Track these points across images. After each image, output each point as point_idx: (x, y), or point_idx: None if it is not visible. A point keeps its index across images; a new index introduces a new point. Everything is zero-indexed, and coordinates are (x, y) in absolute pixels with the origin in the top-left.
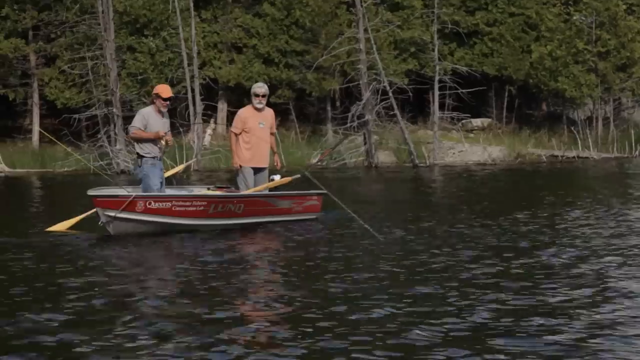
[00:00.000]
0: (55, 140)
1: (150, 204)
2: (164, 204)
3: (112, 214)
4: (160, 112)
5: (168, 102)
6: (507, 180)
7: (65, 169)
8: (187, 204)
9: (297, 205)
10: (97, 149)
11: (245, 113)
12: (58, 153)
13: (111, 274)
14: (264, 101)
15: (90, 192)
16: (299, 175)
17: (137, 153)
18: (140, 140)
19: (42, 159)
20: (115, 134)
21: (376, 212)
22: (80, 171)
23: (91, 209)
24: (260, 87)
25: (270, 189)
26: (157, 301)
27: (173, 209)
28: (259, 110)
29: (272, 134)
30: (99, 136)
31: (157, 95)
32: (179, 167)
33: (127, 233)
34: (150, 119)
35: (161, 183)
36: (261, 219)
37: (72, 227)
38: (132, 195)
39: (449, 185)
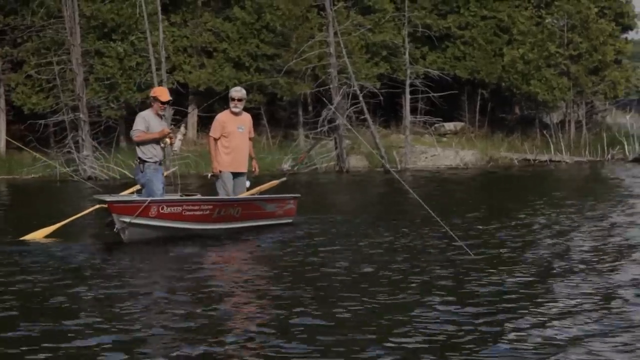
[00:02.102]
0: (23, 147)
1: (163, 208)
2: (176, 208)
3: (127, 219)
4: (158, 114)
5: (166, 105)
6: (471, 184)
7: (32, 176)
8: (196, 208)
9: (280, 209)
10: (63, 155)
11: (223, 117)
12: (25, 159)
13: (99, 280)
14: (241, 105)
15: (107, 198)
16: (285, 179)
17: (139, 158)
18: (143, 144)
19: (8, 166)
20: (82, 139)
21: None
22: (47, 178)
23: (67, 218)
24: (238, 91)
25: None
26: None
27: (183, 213)
28: (236, 114)
29: (250, 138)
30: (66, 142)
31: (155, 99)
32: None
33: (138, 240)
34: (151, 122)
35: (162, 188)
36: (253, 223)
37: (48, 236)
38: (147, 200)
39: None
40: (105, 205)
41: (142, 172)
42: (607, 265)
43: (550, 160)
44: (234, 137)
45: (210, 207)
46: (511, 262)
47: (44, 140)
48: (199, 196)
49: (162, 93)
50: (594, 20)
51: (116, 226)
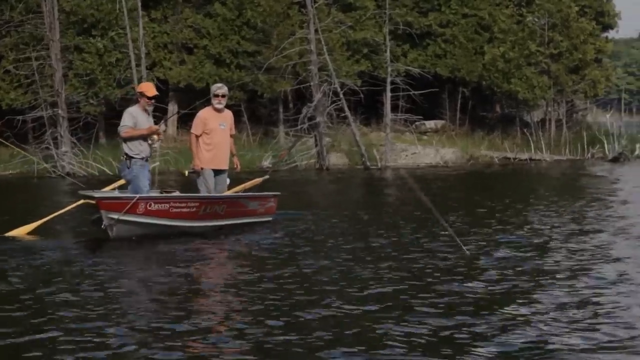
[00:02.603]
0: (5, 142)
1: (150, 205)
2: (163, 205)
3: (115, 216)
4: (145, 110)
5: (153, 101)
6: (450, 182)
7: (10, 172)
8: (183, 205)
9: (261, 207)
10: (41, 151)
11: (205, 114)
12: (2, 155)
13: (85, 280)
14: (224, 101)
15: (96, 195)
16: (267, 176)
17: (126, 154)
18: (130, 140)
19: None
20: (61, 136)
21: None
22: (25, 174)
23: (49, 214)
24: (220, 88)
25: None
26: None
27: (170, 210)
28: (218, 111)
29: (231, 136)
30: (45, 138)
31: (142, 94)
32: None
33: (125, 237)
34: (139, 117)
35: (148, 184)
36: (236, 221)
37: (30, 233)
38: (135, 197)
39: (383, 188)
40: (91, 201)
41: (128, 168)
42: (577, 264)
43: (531, 159)
44: (215, 134)
45: (197, 204)
46: (481, 266)
47: (22, 136)
48: (177, 193)
49: (148, 88)
50: (575, 19)
51: (104, 223)
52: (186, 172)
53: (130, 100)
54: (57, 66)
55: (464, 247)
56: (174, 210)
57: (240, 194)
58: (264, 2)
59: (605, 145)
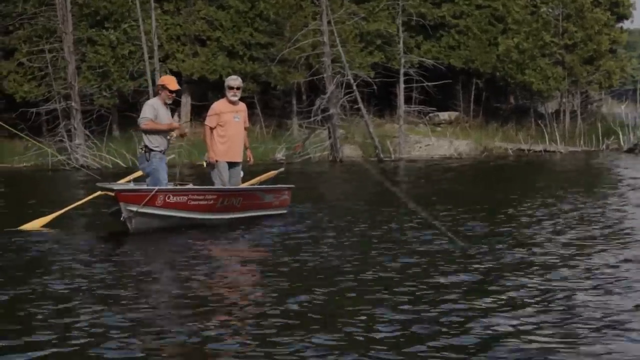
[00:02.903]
0: (19, 133)
1: (169, 197)
2: (181, 197)
3: (134, 208)
4: (165, 103)
5: (174, 95)
6: (463, 174)
7: (24, 164)
8: (201, 197)
9: (276, 199)
10: (55, 143)
11: (219, 106)
12: (17, 148)
13: (97, 272)
14: (239, 94)
15: (115, 187)
16: (282, 169)
17: (146, 146)
18: (150, 133)
19: (0, 154)
20: (74, 128)
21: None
22: (39, 166)
23: (64, 207)
24: (235, 80)
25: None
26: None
27: (188, 202)
28: (233, 103)
29: (245, 128)
30: (58, 130)
31: (164, 87)
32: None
33: (143, 229)
34: (160, 110)
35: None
36: (252, 213)
37: (45, 226)
38: (154, 189)
39: (399, 180)
40: (110, 193)
41: (147, 160)
42: (579, 257)
43: (545, 150)
44: (230, 126)
45: (215, 196)
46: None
47: (36, 129)
48: (191, 185)
49: (170, 81)
50: (589, 10)
51: (123, 215)
52: (204, 164)
53: (142, 92)
54: (70, 59)
55: (458, 240)
56: (192, 202)
57: (256, 186)
58: None
59: (621, 137)
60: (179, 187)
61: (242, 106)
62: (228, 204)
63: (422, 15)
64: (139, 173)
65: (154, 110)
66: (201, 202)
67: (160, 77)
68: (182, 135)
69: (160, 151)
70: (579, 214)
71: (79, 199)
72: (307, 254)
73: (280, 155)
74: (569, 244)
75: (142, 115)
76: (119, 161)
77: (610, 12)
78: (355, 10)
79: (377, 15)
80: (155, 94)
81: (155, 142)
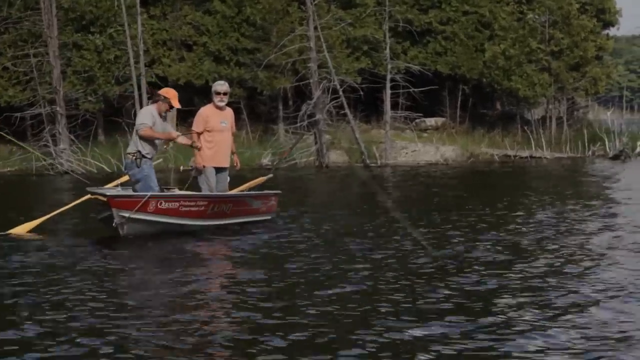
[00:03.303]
0: (8, 137)
1: (161, 203)
2: (173, 204)
3: (126, 214)
4: (161, 115)
5: (172, 110)
6: (447, 181)
7: (8, 169)
8: (192, 204)
9: (264, 205)
10: (40, 148)
11: (206, 112)
12: (1, 152)
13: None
14: (226, 99)
15: (108, 193)
16: (271, 175)
17: (139, 152)
18: (145, 139)
19: None
20: (59, 133)
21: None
22: (24, 171)
23: (49, 212)
24: (222, 85)
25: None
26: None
27: (180, 209)
28: (220, 108)
29: (232, 133)
30: (43, 135)
31: (166, 99)
32: None
33: (135, 235)
34: (157, 119)
35: None
36: (240, 220)
37: (32, 230)
38: (147, 195)
39: (386, 187)
40: (101, 198)
41: (138, 167)
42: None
43: (531, 157)
44: (217, 131)
45: (206, 203)
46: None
47: (21, 133)
48: (176, 191)
49: (174, 97)
50: (575, 17)
51: (115, 221)
52: (191, 167)
53: (128, 97)
54: (55, 63)
55: (430, 248)
56: (184, 208)
57: (246, 192)
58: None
59: (607, 143)
60: (170, 193)
61: (230, 111)
62: (218, 210)
63: (409, 22)
64: (125, 178)
65: (152, 118)
66: (192, 209)
67: (164, 88)
68: (190, 145)
69: (150, 158)
70: (554, 222)
71: (65, 204)
72: (293, 261)
73: (266, 161)
74: (553, 250)
75: (140, 120)
76: (104, 166)
77: (597, 19)
78: (342, 15)
79: (364, 21)
80: (149, 100)
81: (147, 148)
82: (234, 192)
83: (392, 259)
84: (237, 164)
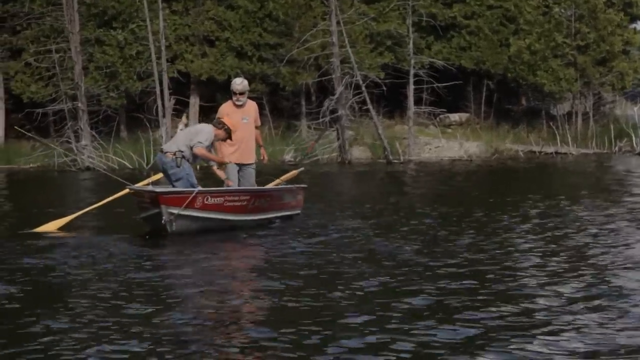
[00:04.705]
0: (32, 136)
1: (207, 199)
2: (218, 199)
3: (175, 211)
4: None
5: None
6: (464, 177)
7: (30, 165)
8: (235, 199)
9: (294, 199)
10: (61, 144)
11: (226, 109)
12: (23, 149)
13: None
14: (243, 98)
15: (156, 189)
16: (302, 168)
17: (181, 151)
18: (199, 157)
19: (7, 155)
20: (80, 129)
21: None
22: (46, 167)
23: (80, 210)
24: (239, 84)
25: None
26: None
27: (225, 204)
28: (239, 106)
29: (256, 127)
30: (64, 131)
31: (224, 126)
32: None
33: (182, 232)
34: (214, 144)
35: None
36: (275, 214)
37: (62, 228)
38: (195, 190)
39: (406, 183)
40: (140, 196)
41: (178, 166)
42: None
43: (556, 153)
44: (238, 129)
45: (248, 197)
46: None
47: (43, 129)
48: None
49: (234, 128)
50: (602, 10)
51: (163, 218)
52: (214, 165)
53: (150, 93)
54: (76, 59)
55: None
56: (228, 204)
57: (281, 186)
58: None
59: (633, 139)
60: (215, 188)
61: (252, 105)
62: (258, 204)
63: (433, 16)
64: (158, 176)
65: (210, 140)
66: (236, 204)
67: (227, 119)
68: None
69: (188, 160)
70: (570, 222)
71: (93, 202)
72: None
73: (289, 157)
74: (558, 252)
75: (200, 139)
76: (125, 162)
77: (624, 12)
78: (365, 10)
79: (387, 15)
80: (170, 95)
81: (188, 153)
82: (270, 186)
83: (426, 257)
84: (264, 157)
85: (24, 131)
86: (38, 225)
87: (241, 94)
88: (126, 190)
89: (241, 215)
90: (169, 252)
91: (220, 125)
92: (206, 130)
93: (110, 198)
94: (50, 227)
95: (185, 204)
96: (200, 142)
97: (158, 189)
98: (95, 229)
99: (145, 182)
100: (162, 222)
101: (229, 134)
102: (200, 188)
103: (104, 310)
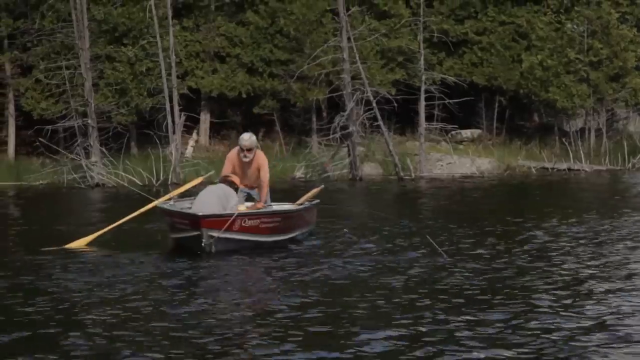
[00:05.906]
0: (48, 153)
1: (245, 222)
2: (254, 221)
3: (215, 234)
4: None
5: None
6: (474, 193)
7: (40, 182)
8: (269, 220)
9: (311, 217)
10: (70, 161)
11: (235, 159)
12: (33, 165)
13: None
14: (250, 155)
15: (199, 213)
16: (323, 185)
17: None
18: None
19: (17, 172)
20: (90, 145)
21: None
22: (55, 184)
23: (107, 226)
24: (246, 140)
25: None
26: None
27: (260, 226)
28: (246, 163)
29: (263, 181)
30: (74, 148)
31: (232, 185)
32: (195, 181)
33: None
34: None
35: None
36: (299, 232)
37: (90, 244)
38: (234, 213)
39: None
40: (175, 217)
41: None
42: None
43: (569, 169)
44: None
45: (279, 218)
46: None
47: (55, 146)
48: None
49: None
50: (615, 26)
51: (204, 241)
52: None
53: (160, 109)
54: (86, 75)
55: (443, 254)
56: (263, 225)
57: (306, 205)
58: (297, 10)
59: None
60: (252, 211)
61: (257, 161)
62: (287, 224)
63: (445, 32)
64: (177, 191)
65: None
66: (269, 225)
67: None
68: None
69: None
70: (584, 242)
71: (118, 219)
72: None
73: (299, 174)
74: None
75: (232, 203)
76: (135, 179)
77: (637, 28)
78: (376, 26)
79: (399, 31)
80: (180, 112)
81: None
82: (298, 203)
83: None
84: (257, 205)
85: (45, 144)
86: (63, 242)
87: (248, 150)
88: (152, 205)
89: (274, 236)
90: (191, 268)
91: (227, 183)
92: (233, 194)
93: (136, 212)
94: (79, 243)
95: (225, 227)
96: (233, 206)
97: (200, 213)
98: (122, 244)
99: (166, 197)
100: (202, 244)
101: (236, 191)
102: (239, 212)
103: (130, 330)
